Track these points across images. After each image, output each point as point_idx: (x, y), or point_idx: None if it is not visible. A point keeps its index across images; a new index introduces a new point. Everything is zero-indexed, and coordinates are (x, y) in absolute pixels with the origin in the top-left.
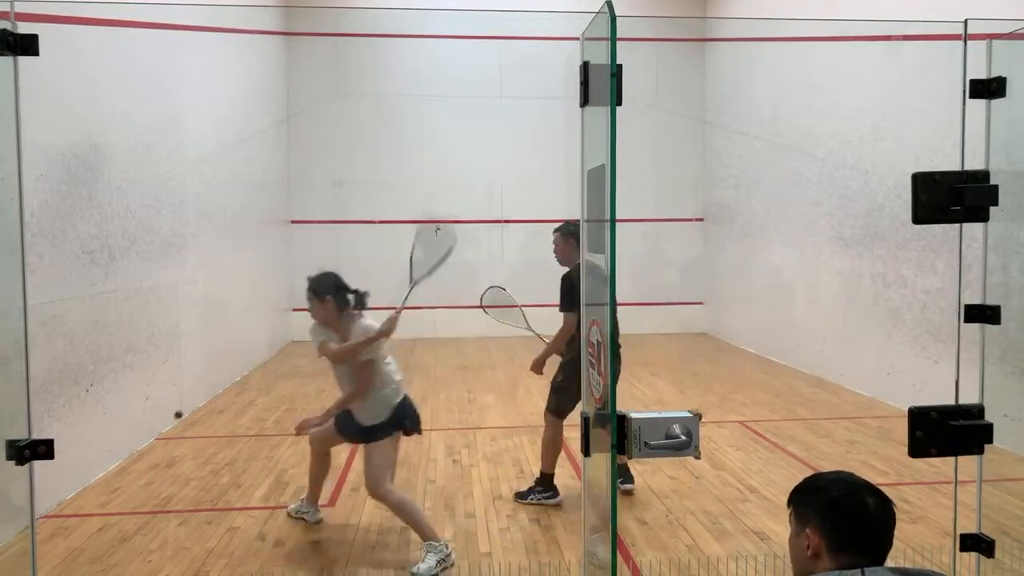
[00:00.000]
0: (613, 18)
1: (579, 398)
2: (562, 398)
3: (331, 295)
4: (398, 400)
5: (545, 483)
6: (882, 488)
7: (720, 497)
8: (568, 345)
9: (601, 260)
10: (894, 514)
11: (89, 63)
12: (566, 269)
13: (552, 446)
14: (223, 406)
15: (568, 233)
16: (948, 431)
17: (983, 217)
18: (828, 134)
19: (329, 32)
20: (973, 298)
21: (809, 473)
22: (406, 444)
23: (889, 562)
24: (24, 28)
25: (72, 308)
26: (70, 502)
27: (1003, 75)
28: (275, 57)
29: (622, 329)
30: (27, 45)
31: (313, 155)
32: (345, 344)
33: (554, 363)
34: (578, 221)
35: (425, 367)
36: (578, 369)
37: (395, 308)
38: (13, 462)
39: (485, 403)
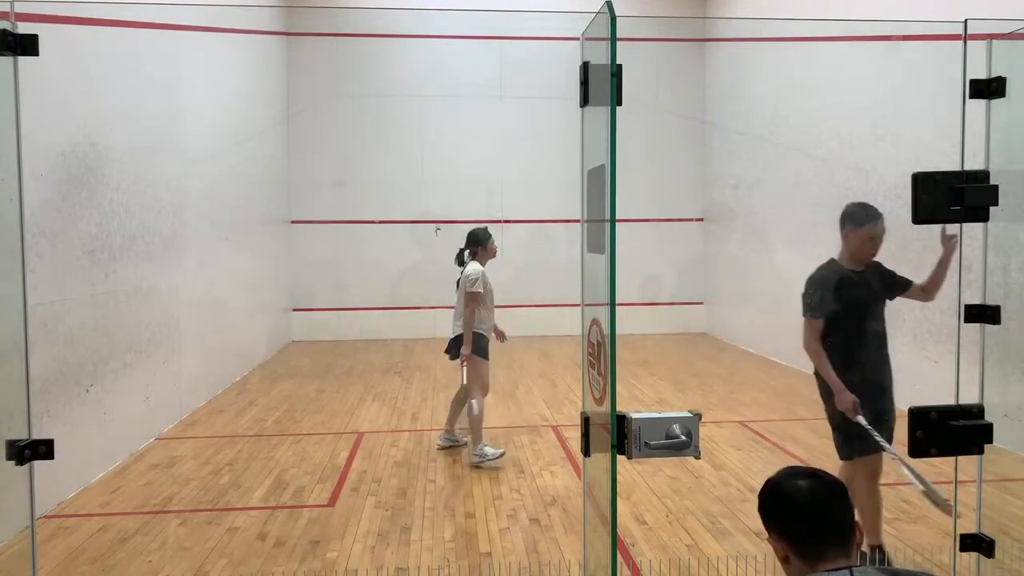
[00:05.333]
0: (613, 18)
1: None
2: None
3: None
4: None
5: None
6: (882, 488)
7: (720, 497)
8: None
9: (601, 260)
10: (841, 490)
11: (89, 63)
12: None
13: (870, 508)
14: (223, 406)
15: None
16: (948, 431)
17: (983, 217)
18: (828, 134)
19: (329, 32)
20: (973, 298)
21: None
22: (406, 443)
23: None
24: (24, 28)
25: (72, 308)
26: (70, 502)
27: (1003, 75)
28: (275, 57)
29: (622, 329)
30: (27, 45)
31: (313, 155)
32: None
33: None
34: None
35: (425, 367)
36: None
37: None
38: (13, 462)
39: (485, 403)
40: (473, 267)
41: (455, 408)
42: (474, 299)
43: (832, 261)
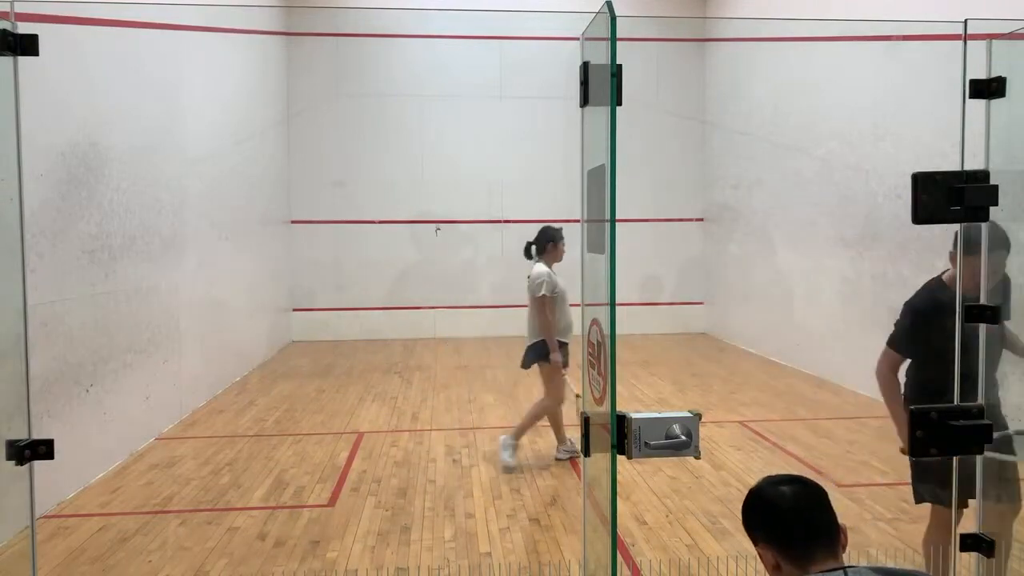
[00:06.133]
0: (613, 18)
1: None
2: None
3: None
4: None
5: None
6: (882, 488)
7: (720, 497)
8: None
9: (601, 260)
10: (823, 493)
11: (89, 63)
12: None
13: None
14: (223, 406)
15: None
16: (948, 431)
17: (983, 217)
18: (828, 134)
19: (329, 32)
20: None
21: (809, 473)
22: (406, 443)
23: (888, 561)
24: (24, 28)
25: (72, 308)
26: (70, 502)
27: (1003, 75)
28: (275, 57)
29: (622, 329)
30: (27, 45)
31: (313, 155)
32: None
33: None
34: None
35: (425, 367)
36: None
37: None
38: (13, 462)
39: (485, 403)
40: (538, 269)
41: (556, 420)
42: (548, 304)
43: (939, 283)
